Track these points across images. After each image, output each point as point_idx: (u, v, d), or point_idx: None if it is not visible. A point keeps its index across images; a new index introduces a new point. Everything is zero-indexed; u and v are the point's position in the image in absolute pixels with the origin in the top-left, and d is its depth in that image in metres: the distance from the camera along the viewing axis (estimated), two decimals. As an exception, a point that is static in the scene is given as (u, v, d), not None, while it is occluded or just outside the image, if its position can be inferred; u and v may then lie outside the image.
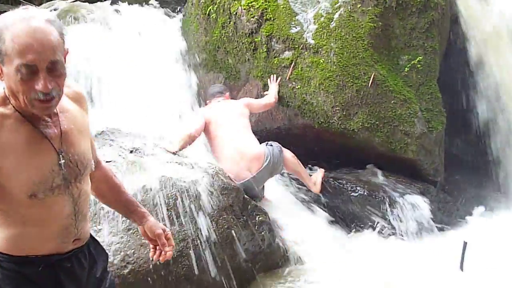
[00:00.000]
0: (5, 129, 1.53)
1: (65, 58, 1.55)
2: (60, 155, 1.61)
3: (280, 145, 4.42)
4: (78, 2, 6.71)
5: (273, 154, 4.31)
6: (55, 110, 1.61)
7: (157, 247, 1.88)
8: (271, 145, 4.37)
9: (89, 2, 6.91)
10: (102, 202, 2.04)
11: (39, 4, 7.03)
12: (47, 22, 1.49)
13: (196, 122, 4.44)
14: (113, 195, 1.93)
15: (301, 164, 4.48)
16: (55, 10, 6.45)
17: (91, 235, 1.82)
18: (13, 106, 1.55)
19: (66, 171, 1.62)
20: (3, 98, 1.57)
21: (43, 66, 1.47)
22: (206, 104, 4.82)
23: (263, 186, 4.45)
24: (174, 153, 4.08)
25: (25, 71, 1.45)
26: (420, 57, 4.91)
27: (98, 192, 1.92)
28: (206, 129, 4.44)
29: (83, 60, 5.58)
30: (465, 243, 3.40)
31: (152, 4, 6.44)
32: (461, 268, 3.41)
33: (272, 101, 4.74)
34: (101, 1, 6.98)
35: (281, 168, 4.45)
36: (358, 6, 4.80)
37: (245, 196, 3.95)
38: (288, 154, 4.43)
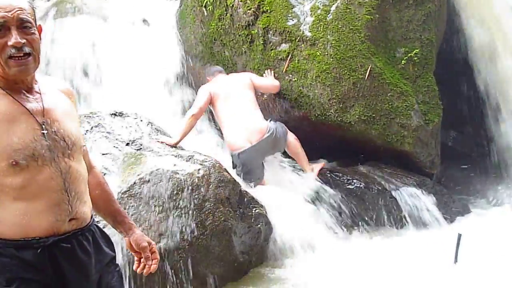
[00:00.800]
0: None
1: (40, 35, 1.66)
2: (43, 126, 1.64)
3: (285, 126, 4.58)
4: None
5: (276, 129, 4.50)
6: (37, 90, 1.68)
7: (141, 260, 1.88)
8: (275, 122, 4.57)
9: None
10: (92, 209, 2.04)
11: (35, -4, 6.98)
12: None
13: (200, 99, 4.56)
14: (103, 203, 1.92)
15: (302, 149, 4.61)
16: (52, 1, 6.42)
17: (97, 226, 1.82)
18: None
19: (51, 144, 1.64)
20: None
21: (13, 23, 1.57)
22: (208, 81, 4.86)
23: (263, 167, 4.51)
24: (173, 146, 4.10)
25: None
26: (416, 50, 4.90)
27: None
28: (212, 103, 4.60)
29: (83, 48, 5.58)
30: (459, 235, 3.42)
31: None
32: (456, 260, 3.42)
33: (276, 84, 4.76)
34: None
35: (284, 145, 4.59)
36: (355, -2, 4.79)
37: (242, 189, 3.96)
38: (291, 136, 4.60)
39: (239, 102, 4.56)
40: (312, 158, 4.87)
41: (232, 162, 4.51)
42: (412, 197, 4.41)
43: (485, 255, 3.53)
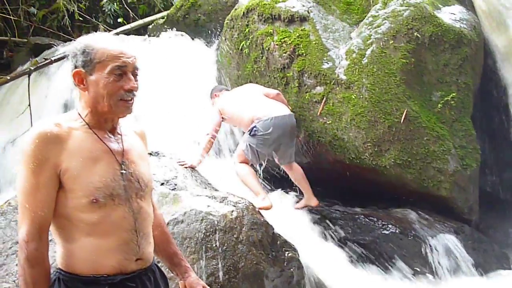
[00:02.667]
0: (73, 137, 1.71)
1: None
2: (122, 166, 1.75)
3: None
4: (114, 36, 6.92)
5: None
6: (118, 131, 1.82)
7: None
8: None
9: (126, 35, 7.13)
10: None
11: (78, 38, 7.27)
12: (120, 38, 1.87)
13: (211, 120, 4.62)
14: (161, 244, 1.98)
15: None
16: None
17: (157, 266, 1.89)
18: (84, 120, 1.76)
19: (127, 184, 1.74)
20: (75, 116, 1.78)
21: (131, 69, 1.75)
22: (215, 96, 4.92)
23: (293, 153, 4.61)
24: (193, 168, 4.31)
25: (118, 72, 1.71)
26: (453, 94, 4.86)
27: None
28: (224, 114, 4.65)
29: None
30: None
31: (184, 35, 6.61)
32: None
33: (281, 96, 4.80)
34: (139, 32, 7.19)
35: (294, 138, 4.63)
36: (391, 42, 4.81)
37: (275, 231, 3.92)
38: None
39: (250, 95, 4.73)
40: (346, 201, 4.83)
41: (250, 133, 4.49)
42: (450, 244, 4.28)
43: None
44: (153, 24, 7.21)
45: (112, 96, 1.71)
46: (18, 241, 1.67)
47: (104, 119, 1.77)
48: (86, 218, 1.67)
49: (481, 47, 5.29)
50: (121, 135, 1.83)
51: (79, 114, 1.78)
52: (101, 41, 1.75)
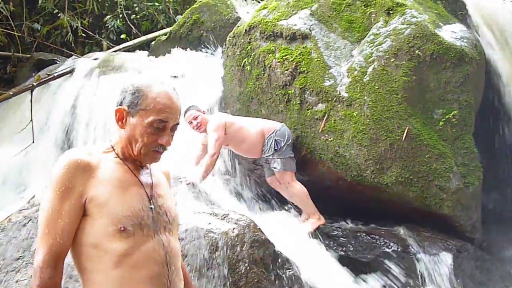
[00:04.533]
0: (103, 167, 1.74)
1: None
2: (151, 200, 1.76)
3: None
4: (116, 52, 6.98)
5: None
6: (148, 166, 1.85)
7: None
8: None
9: (128, 51, 7.19)
10: None
11: (82, 54, 7.33)
12: (175, 91, 1.81)
13: (216, 138, 4.66)
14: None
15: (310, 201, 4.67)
16: (95, 59, 6.73)
17: None
18: (116, 154, 1.80)
19: (155, 216, 1.74)
20: (107, 148, 1.82)
21: (171, 125, 1.77)
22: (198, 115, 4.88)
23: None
24: (195, 184, 4.42)
25: (157, 126, 1.73)
26: (455, 111, 4.86)
27: None
28: (230, 128, 4.75)
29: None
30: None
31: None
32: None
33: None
34: (142, 49, 7.24)
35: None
36: (392, 60, 4.83)
37: (276, 249, 3.90)
38: (299, 187, 4.67)
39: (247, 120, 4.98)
40: (348, 219, 4.81)
41: (277, 142, 4.71)
42: (452, 263, 4.24)
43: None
44: (156, 41, 7.25)
45: (145, 146, 1.74)
46: (33, 266, 1.64)
47: (133, 157, 1.80)
48: (114, 247, 1.64)
49: (483, 65, 5.30)
50: (150, 169, 1.85)
51: (112, 147, 1.81)
52: (154, 89, 1.75)
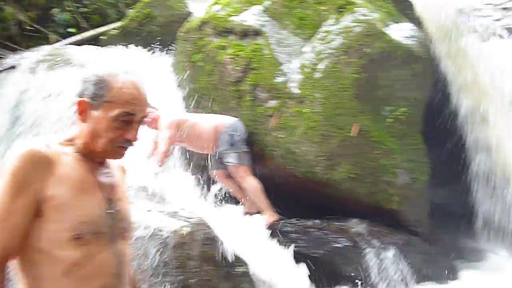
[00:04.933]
0: (62, 164, 1.57)
1: None
2: (111, 205, 1.62)
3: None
4: (64, 46, 6.76)
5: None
6: (107, 163, 1.71)
7: None
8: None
9: (78, 45, 6.98)
10: None
11: (27, 48, 7.07)
12: (142, 81, 1.67)
13: (170, 135, 4.65)
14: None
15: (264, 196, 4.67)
16: (41, 53, 6.49)
17: None
18: (76, 149, 1.64)
19: (112, 223, 1.60)
20: (65, 141, 1.65)
21: (139, 118, 1.63)
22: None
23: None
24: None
25: (124, 120, 1.59)
26: (403, 108, 4.96)
27: None
28: (184, 126, 4.73)
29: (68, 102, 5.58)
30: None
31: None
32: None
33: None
34: (91, 43, 7.05)
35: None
36: (342, 57, 4.89)
37: (227, 247, 3.88)
38: (254, 183, 4.65)
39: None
40: (299, 215, 4.83)
41: (231, 136, 4.69)
42: (400, 257, 4.34)
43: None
44: (106, 35, 7.08)
45: (110, 142, 1.60)
46: None
47: (96, 153, 1.65)
48: (65, 255, 1.50)
49: (430, 64, 5.44)
50: (109, 168, 1.70)
51: (72, 140, 1.65)
52: (119, 79, 1.61)
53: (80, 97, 1.63)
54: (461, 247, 5.20)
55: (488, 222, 5.32)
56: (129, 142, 1.62)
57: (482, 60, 5.44)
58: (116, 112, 1.58)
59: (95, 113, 1.59)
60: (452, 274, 4.64)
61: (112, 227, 1.59)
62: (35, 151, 1.53)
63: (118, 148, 1.62)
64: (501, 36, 5.60)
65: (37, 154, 1.53)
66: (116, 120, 1.58)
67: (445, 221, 5.47)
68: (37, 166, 1.51)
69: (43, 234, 1.50)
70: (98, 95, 1.59)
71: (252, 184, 4.65)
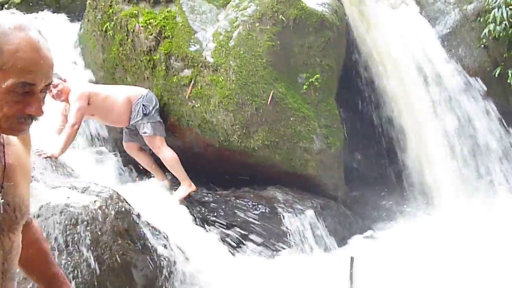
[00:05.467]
0: None
1: None
2: (1, 191, 1.36)
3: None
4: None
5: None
6: (1, 139, 1.39)
7: None
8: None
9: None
10: (22, 271, 1.68)
11: None
12: (42, 35, 1.29)
13: (78, 108, 4.41)
14: (37, 265, 1.63)
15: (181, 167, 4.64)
16: None
17: None
18: None
19: (1, 215, 1.36)
20: None
21: (41, 87, 1.28)
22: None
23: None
24: (54, 158, 4.17)
25: (22, 91, 1.25)
26: (317, 75, 5.02)
27: (20, 258, 1.54)
28: (95, 98, 4.54)
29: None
30: (352, 259, 3.46)
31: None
32: (351, 283, 3.46)
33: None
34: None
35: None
36: (257, 25, 4.85)
37: (142, 219, 3.80)
38: (170, 151, 4.61)
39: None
40: (218, 185, 4.83)
41: (145, 107, 4.62)
42: (316, 220, 4.45)
43: (380, 278, 3.60)
44: (8, 4, 6.62)
45: (6, 118, 1.26)
46: None
47: None
48: None
49: (343, 31, 5.52)
50: (3, 145, 1.39)
51: None
52: (11, 38, 1.24)
53: None
54: (376, 208, 5.42)
55: (400, 182, 5.56)
56: (32, 117, 1.29)
57: (391, 27, 5.60)
58: (10, 82, 1.23)
59: None
60: (368, 235, 4.82)
61: (3, 224, 1.37)
62: None
63: (19, 124, 1.29)
64: (407, 4, 5.78)
65: None
66: (12, 92, 1.25)
67: (361, 185, 5.67)
68: None
69: None
70: None
71: (168, 154, 4.58)
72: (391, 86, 5.48)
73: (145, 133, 4.59)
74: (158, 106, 4.69)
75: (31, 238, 1.59)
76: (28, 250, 1.56)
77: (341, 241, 4.58)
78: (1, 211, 1.35)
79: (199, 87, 4.70)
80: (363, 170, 5.89)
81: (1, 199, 1.35)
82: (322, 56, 5.11)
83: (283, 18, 4.94)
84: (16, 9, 5.69)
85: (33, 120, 1.30)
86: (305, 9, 5.08)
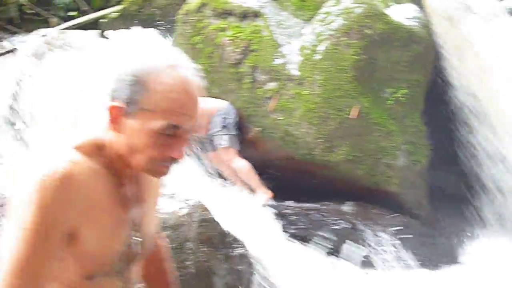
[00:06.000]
0: (91, 188, 1.22)
1: None
2: (134, 231, 1.32)
3: None
4: (65, 30, 6.74)
5: None
6: (141, 178, 1.36)
7: None
8: None
9: (79, 29, 6.96)
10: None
11: (28, 32, 7.05)
12: (194, 72, 1.26)
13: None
14: (157, 284, 1.59)
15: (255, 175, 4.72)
16: (42, 37, 6.48)
17: None
18: (106, 160, 1.28)
19: (130, 253, 1.33)
20: (92, 147, 1.27)
21: (186, 130, 1.24)
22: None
23: None
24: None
25: (168, 134, 1.21)
26: (403, 90, 4.93)
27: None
28: None
29: (68, 87, 5.58)
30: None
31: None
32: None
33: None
34: (92, 29, 7.02)
35: None
36: (343, 39, 4.84)
37: (225, 228, 3.89)
38: (243, 162, 4.71)
39: None
40: (298, 197, 4.83)
41: (224, 119, 4.78)
42: (398, 239, 4.34)
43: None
44: (106, 19, 7.05)
45: (151, 161, 1.23)
46: None
47: (131, 169, 1.30)
48: None
49: (432, 45, 5.38)
50: (140, 183, 1.36)
51: (99, 148, 1.27)
52: (162, 78, 1.20)
53: (112, 101, 1.24)
54: (460, 230, 5.19)
55: (488, 206, 5.30)
56: (174, 160, 1.25)
57: (483, 41, 5.37)
58: (157, 124, 1.20)
59: (132, 123, 1.22)
60: (451, 257, 4.63)
61: (128, 258, 1.33)
62: (64, 176, 1.17)
63: (161, 167, 1.25)
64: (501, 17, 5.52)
65: (66, 180, 1.17)
66: (158, 135, 1.21)
67: (445, 204, 5.45)
68: (67, 195, 1.17)
69: (57, 276, 1.24)
70: (134, 100, 1.21)
71: (241, 164, 4.71)
72: (482, 106, 5.25)
73: (221, 144, 4.74)
74: (237, 119, 4.83)
75: (154, 258, 1.56)
76: (149, 268, 1.54)
77: (423, 262, 4.43)
78: (132, 250, 1.31)
79: (283, 100, 4.75)
80: (448, 190, 5.67)
81: (133, 240, 1.31)
82: (409, 71, 5.02)
83: (369, 32, 4.89)
84: (113, 22, 6.03)
85: (174, 164, 1.26)
86: (392, 24, 5.01)
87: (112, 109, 1.24)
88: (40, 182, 1.15)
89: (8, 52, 6.13)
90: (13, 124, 5.58)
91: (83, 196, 1.19)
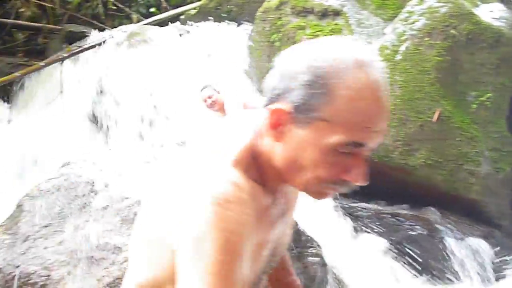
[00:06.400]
0: (255, 208, 1.03)
1: None
2: (274, 251, 1.18)
3: None
4: (147, 26, 6.97)
5: None
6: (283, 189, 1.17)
7: None
8: None
9: (159, 25, 7.18)
10: None
11: (112, 27, 7.36)
12: (384, 73, 1.02)
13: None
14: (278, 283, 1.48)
15: None
16: (124, 32, 6.74)
17: None
18: (258, 174, 1.07)
19: (264, 274, 1.21)
20: (249, 159, 1.06)
21: (370, 149, 1.00)
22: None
23: None
24: None
25: (348, 151, 0.98)
26: (489, 94, 4.72)
27: None
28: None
29: (148, 82, 5.77)
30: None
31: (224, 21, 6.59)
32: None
33: None
34: (172, 22, 7.22)
35: None
36: (426, 39, 4.70)
37: (300, 228, 3.89)
38: None
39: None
40: (371, 200, 4.75)
41: None
42: (478, 249, 4.17)
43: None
44: (185, 15, 7.22)
45: (318, 182, 1.01)
46: None
47: (286, 183, 1.10)
48: None
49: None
50: (285, 199, 1.18)
51: (255, 156, 1.06)
52: (350, 81, 0.95)
53: (277, 102, 1.00)
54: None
55: None
56: (346, 183, 1.01)
57: None
58: (336, 139, 0.96)
59: (300, 133, 0.99)
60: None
61: (261, 276, 1.19)
62: (239, 202, 0.98)
63: (327, 189, 1.03)
64: None
65: (242, 209, 0.98)
66: (335, 151, 0.98)
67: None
68: (242, 229, 0.97)
69: None
70: (309, 106, 0.97)
71: None
72: None
73: None
74: None
75: (281, 262, 1.45)
76: (278, 273, 1.46)
77: (504, 276, 4.24)
78: (266, 267, 1.18)
79: (361, 101, 4.68)
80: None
81: (272, 257, 1.19)
82: (495, 74, 4.79)
83: (454, 32, 4.72)
84: (192, 19, 6.17)
85: (347, 187, 1.03)
86: (479, 24, 4.80)
87: (277, 112, 1.00)
88: (215, 214, 0.95)
89: (94, 46, 6.41)
90: (97, 120, 5.84)
91: (250, 224, 1.00)
